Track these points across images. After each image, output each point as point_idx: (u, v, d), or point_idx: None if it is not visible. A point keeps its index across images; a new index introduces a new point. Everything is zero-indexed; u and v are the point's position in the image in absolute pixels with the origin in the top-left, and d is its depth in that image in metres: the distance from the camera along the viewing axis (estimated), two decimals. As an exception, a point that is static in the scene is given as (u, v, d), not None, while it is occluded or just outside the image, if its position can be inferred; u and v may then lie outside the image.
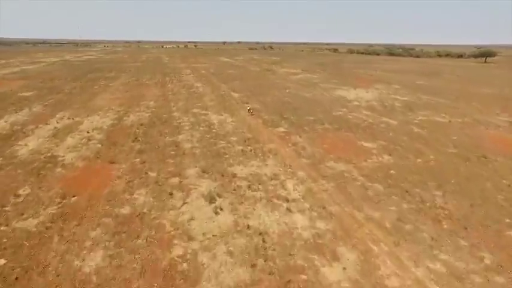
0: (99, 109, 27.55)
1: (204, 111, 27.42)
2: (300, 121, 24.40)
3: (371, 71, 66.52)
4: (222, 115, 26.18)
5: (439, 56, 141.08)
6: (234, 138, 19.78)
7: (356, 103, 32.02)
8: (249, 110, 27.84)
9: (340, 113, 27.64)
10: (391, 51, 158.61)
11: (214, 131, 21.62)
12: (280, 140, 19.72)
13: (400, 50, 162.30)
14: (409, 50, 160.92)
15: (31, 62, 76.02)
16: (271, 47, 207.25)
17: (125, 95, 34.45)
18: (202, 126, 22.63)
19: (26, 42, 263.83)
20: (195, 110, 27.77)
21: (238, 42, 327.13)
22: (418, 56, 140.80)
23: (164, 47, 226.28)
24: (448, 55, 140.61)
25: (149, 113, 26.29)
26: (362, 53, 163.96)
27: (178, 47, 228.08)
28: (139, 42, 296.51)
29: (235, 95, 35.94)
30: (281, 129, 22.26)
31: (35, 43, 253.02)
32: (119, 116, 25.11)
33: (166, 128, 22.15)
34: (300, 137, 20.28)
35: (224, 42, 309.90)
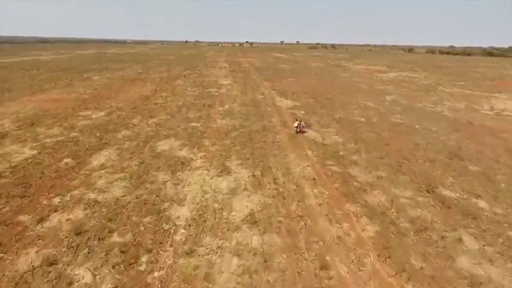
0: (-38, 126, 11.76)
1: (183, 152, 9.78)
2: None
3: (501, 70, 42.74)
4: (227, 174, 8.22)
5: None
6: None
7: None
8: (297, 126, 11.09)
9: None
10: (487, 51, 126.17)
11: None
12: None
13: (497, 50, 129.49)
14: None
15: (65, 53, 67.33)
16: (334, 46, 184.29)
17: (80, 96, 18.66)
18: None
19: (112, 41, 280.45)
20: (161, 145, 10.30)
21: (297, 42, 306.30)
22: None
23: (219, 45, 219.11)
24: None
25: (35, 151, 9.54)
26: (447, 53, 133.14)
27: (233, 45, 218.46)
28: (196, 41, 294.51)
29: (284, 102, 17.82)
30: None
31: (112, 41, 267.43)
32: None
33: None
34: None
35: (282, 42, 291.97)
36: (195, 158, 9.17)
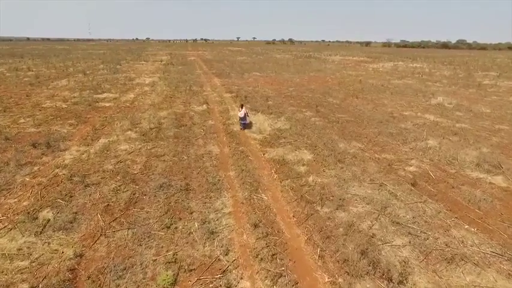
0: None
1: None
2: None
3: (486, 58, 36.87)
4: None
5: None
6: None
7: None
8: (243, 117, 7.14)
9: None
10: (439, 43, 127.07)
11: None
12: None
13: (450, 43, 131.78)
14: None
15: None
16: (291, 41, 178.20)
17: None
18: None
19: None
20: None
21: (254, 38, 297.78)
22: None
23: (171, 41, 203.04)
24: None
25: None
26: (403, 46, 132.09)
27: (186, 42, 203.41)
28: (147, 38, 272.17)
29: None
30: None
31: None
32: None
33: None
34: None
35: (238, 38, 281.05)
36: None
